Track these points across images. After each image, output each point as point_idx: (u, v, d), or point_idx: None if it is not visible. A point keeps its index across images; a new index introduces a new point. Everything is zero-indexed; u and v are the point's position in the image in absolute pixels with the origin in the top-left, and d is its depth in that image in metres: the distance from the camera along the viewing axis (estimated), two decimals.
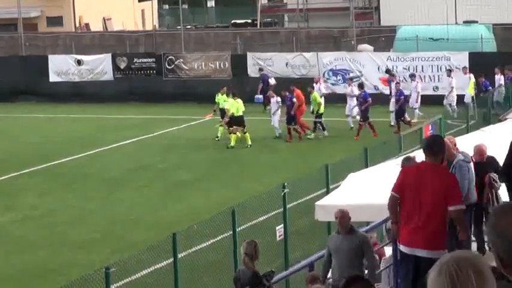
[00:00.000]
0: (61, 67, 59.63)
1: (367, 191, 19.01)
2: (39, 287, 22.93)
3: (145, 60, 59.26)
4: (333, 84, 51.87)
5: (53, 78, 59.35)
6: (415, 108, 46.91)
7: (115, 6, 77.87)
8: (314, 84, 46.34)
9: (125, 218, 32.55)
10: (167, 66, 58.34)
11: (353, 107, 46.17)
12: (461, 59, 51.12)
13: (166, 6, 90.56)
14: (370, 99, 44.44)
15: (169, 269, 21.84)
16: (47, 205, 34.84)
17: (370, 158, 27.98)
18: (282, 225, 24.29)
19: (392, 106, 45.66)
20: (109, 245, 28.93)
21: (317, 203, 21.66)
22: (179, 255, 21.77)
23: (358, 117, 45.06)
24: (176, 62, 58.36)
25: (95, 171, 39.98)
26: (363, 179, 20.24)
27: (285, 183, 25.46)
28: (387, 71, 50.63)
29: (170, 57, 58.77)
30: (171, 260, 21.50)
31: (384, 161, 25.00)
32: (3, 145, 42.97)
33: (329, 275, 16.38)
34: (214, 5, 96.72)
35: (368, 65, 53.61)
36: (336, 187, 23.54)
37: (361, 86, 46.62)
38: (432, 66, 51.88)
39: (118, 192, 36.60)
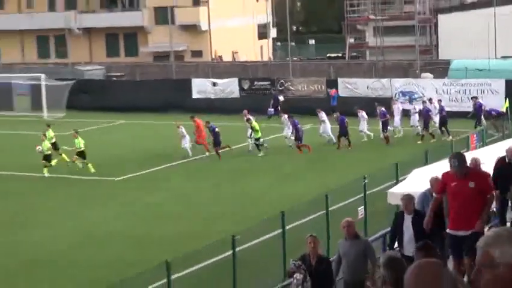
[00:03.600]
0: (201, 88, 60.36)
1: (428, 182, 18.90)
2: (182, 247, 23.23)
3: (262, 83, 59.66)
4: (402, 102, 51.43)
5: (195, 95, 60.16)
6: (360, 131, 45.40)
7: (241, 42, 78.44)
8: (250, 117, 43.70)
9: (246, 198, 32.93)
10: (279, 87, 58.70)
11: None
12: (499, 85, 50.87)
13: (279, 43, 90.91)
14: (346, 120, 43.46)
15: (278, 238, 22.02)
16: (191, 188, 35.45)
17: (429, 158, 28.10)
18: (363, 207, 24.45)
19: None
20: (233, 218, 29.24)
21: (389, 190, 21.77)
22: (287, 227, 22.04)
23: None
24: (285, 85, 58.72)
25: (229, 164, 40.36)
26: (425, 173, 20.17)
27: (365, 175, 25.65)
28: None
29: (281, 81, 59.16)
30: (280, 230, 21.73)
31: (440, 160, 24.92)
32: (159, 145, 43.49)
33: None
34: (314, 42, 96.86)
35: (429, 89, 53.30)
36: (403, 179, 23.64)
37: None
38: (477, 90, 51.44)
39: (244, 179, 37.01)
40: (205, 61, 73.76)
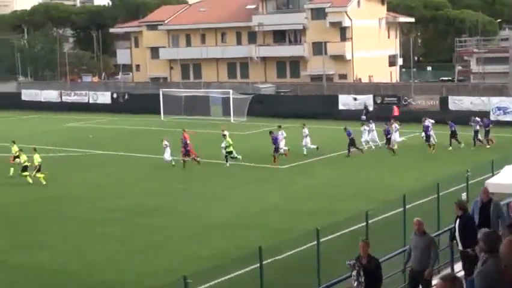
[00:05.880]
0: (345, 101, 59.66)
1: None
2: (322, 220, 22.88)
3: (391, 99, 58.43)
4: (498, 115, 49.63)
5: (340, 107, 59.53)
6: (367, 142, 42.07)
7: (376, 68, 77.43)
8: (226, 132, 39.56)
9: (370, 184, 32.26)
10: (403, 102, 57.46)
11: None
12: None
13: (404, 69, 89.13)
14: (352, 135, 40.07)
15: (399, 215, 21.26)
16: (330, 176, 34.98)
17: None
18: (466, 193, 23.49)
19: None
20: (363, 197, 28.67)
21: (487, 181, 20.75)
22: (407, 207, 21.28)
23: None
24: (408, 100, 57.39)
25: (356, 159, 39.16)
26: None
27: (468, 169, 24.62)
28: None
29: (405, 97, 57.83)
30: (401, 209, 21.01)
31: None
32: (312, 143, 42.86)
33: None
34: (431, 69, 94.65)
35: None
36: (497, 173, 22.59)
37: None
38: None
39: (368, 170, 36.03)
40: (349, 82, 72.97)
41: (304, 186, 32.26)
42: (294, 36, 79.80)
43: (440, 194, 22.35)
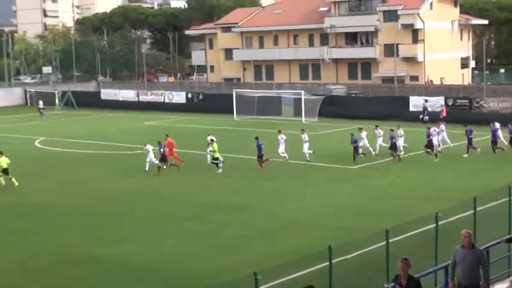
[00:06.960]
0: (416, 103, 59.19)
1: None
2: (393, 220, 22.80)
3: (462, 101, 57.77)
4: None
5: (411, 109, 59.15)
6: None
7: (448, 70, 76.54)
8: (212, 137, 38.48)
9: (448, 184, 32.01)
10: (474, 104, 56.66)
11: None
12: None
13: (476, 72, 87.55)
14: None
15: (469, 217, 21.09)
16: (403, 177, 34.74)
17: None
18: None
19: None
20: (435, 199, 28.43)
21: None
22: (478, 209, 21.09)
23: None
24: (480, 102, 56.57)
25: (427, 162, 38.97)
26: None
27: None
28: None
29: (477, 99, 57.02)
30: (471, 211, 20.84)
31: None
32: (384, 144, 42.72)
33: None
34: (504, 71, 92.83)
35: None
36: None
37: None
38: None
39: (437, 170, 35.85)
40: (420, 84, 72.18)
41: (376, 187, 32.29)
42: (366, 38, 79.52)
43: (497, 202, 22.07)
